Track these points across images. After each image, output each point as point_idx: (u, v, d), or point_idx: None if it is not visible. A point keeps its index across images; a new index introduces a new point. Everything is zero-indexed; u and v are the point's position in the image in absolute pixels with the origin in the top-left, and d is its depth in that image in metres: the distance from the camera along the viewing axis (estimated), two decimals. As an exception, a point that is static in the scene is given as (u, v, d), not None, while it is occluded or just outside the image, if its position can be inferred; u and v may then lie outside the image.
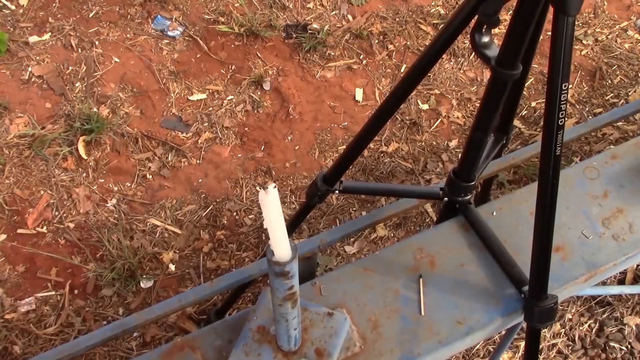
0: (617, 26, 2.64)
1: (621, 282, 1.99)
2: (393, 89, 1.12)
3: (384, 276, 1.10)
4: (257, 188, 2.16)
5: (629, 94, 2.41)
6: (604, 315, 1.91)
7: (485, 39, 0.98)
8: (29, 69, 2.35)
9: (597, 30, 2.62)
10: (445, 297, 1.08)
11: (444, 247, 1.14)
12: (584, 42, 2.57)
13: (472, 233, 1.16)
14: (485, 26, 0.95)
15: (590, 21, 2.65)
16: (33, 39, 2.43)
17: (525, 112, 2.36)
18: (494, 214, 1.20)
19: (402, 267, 1.11)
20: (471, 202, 1.21)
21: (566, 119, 0.93)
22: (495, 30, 0.98)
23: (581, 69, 2.50)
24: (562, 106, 0.91)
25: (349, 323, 0.98)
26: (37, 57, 2.38)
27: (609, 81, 2.46)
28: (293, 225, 1.50)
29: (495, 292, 1.09)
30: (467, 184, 1.16)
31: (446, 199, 1.21)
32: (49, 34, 2.46)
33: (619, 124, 2.30)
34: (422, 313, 1.05)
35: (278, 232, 0.64)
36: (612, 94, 2.42)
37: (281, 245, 0.67)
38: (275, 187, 0.58)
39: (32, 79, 2.33)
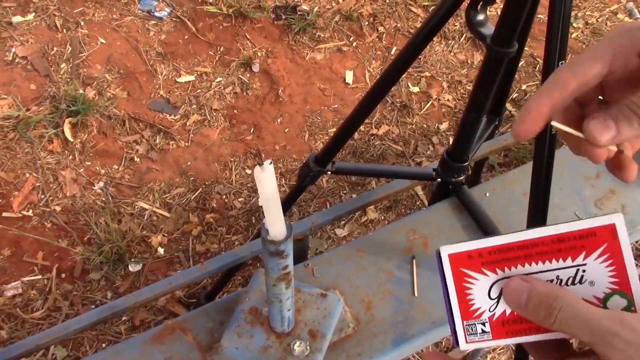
0: (607, 9, 2.63)
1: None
2: (384, 71, 1.10)
3: (377, 257, 1.09)
4: (247, 171, 2.14)
5: (619, 77, 2.41)
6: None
7: (481, 17, 0.96)
8: (13, 49, 2.30)
9: (587, 13, 2.61)
10: (438, 278, 1.07)
11: (437, 228, 1.13)
12: (574, 25, 2.56)
13: (465, 214, 1.15)
14: (480, 3, 0.94)
15: (580, 4, 2.64)
16: (16, 19, 2.38)
17: (516, 95, 2.36)
18: (487, 195, 1.19)
19: (395, 249, 1.10)
20: (464, 183, 1.20)
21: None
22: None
23: (571, 51, 2.49)
24: (559, 85, 0.89)
25: (342, 304, 0.97)
26: (21, 38, 2.34)
27: (599, 64, 2.46)
28: (284, 207, 1.48)
29: (488, 273, 1.08)
30: (461, 165, 1.15)
31: (439, 179, 1.20)
32: (33, 14, 2.41)
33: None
34: (416, 294, 1.04)
35: (273, 209, 0.63)
36: (601, 77, 2.42)
37: (276, 224, 0.65)
38: (271, 163, 0.56)
39: (16, 60, 2.28)
